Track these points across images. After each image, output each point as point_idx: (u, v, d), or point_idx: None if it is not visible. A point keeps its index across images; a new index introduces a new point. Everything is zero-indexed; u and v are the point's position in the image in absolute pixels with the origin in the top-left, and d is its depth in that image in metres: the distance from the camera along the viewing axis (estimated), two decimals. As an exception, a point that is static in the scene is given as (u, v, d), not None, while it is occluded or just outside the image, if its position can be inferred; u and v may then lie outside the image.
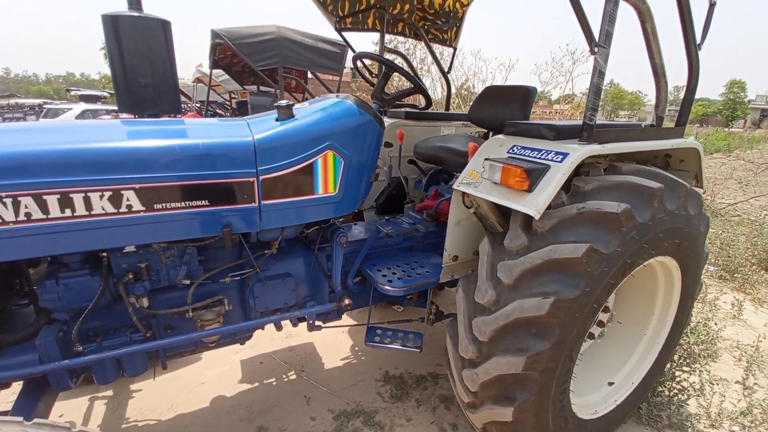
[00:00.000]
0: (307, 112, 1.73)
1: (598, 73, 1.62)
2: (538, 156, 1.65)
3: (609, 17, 1.58)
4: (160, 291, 1.70)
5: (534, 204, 1.53)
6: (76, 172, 1.30)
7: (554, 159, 1.59)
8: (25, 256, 1.33)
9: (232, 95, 8.26)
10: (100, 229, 1.37)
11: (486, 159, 1.70)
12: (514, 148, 1.79)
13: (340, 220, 2.16)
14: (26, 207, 1.26)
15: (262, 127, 1.64)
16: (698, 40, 2.03)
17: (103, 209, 1.36)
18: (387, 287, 1.96)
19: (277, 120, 1.69)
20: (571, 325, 1.55)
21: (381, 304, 3.31)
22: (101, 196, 1.34)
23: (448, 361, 1.98)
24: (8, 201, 1.24)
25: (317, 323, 2.12)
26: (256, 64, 4.73)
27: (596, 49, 1.59)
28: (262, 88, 6.28)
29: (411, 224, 2.46)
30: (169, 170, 1.43)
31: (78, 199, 1.32)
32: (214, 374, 2.67)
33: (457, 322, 1.79)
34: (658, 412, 2.41)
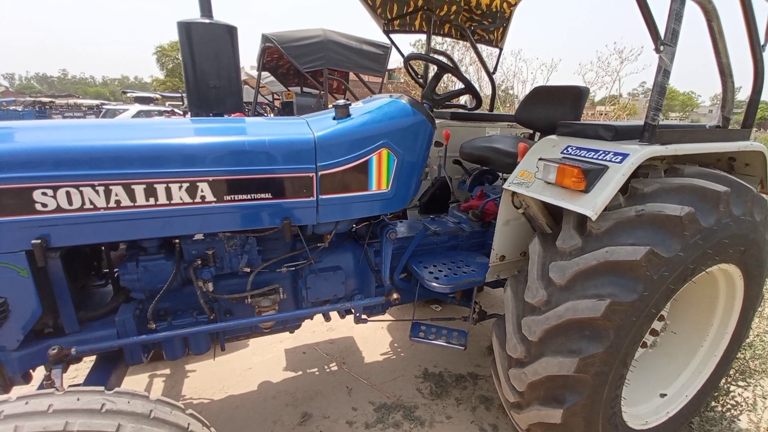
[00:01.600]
0: (363, 111, 1.79)
1: (663, 71, 1.58)
2: (594, 156, 1.63)
3: (675, 15, 1.54)
4: (223, 277, 1.82)
5: (591, 205, 1.51)
6: (160, 164, 1.43)
7: (613, 160, 1.57)
8: (113, 239, 1.47)
9: (275, 96, 8.56)
10: (178, 217, 1.50)
11: (540, 159, 1.70)
12: (569, 149, 1.77)
13: (389, 216, 2.21)
14: (116, 195, 1.40)
15: (321, 125, 1.72)
16: (762, 41, 1.94)
17: (181, 199, 1.48)
18: (434, 284, 1.99)
19: (334, 119, 1.76)
20: (627, 329, 1.52)
21: (419, 303, 3.34)
22: (180, 187, 1.47)
23: (492, 360, 1.98)
24: (101, 189, 1.38)
25: (363, 316, 2.19)
26: (303, 66, 4.90)
27: (662, 48, 1.55)
28: (305, 89, 6.48)
29: (456, 224, 2.47)
30: (239, 164, 1.53)
31: (161, 189, 1.44)
32: (260, 361, 2.80)
33: (505, 321, 1.79)
34: (709, 427, 2.31)
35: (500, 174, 2.88)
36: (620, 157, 1.56)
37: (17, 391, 1.63)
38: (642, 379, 2.15)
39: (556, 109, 2.50)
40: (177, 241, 1.68)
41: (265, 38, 5.01)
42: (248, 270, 1.79)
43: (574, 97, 2.42)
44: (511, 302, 1.78)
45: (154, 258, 1.65)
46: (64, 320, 1.57)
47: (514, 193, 1.94)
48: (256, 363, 2.78)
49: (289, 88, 6.91)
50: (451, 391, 2.54)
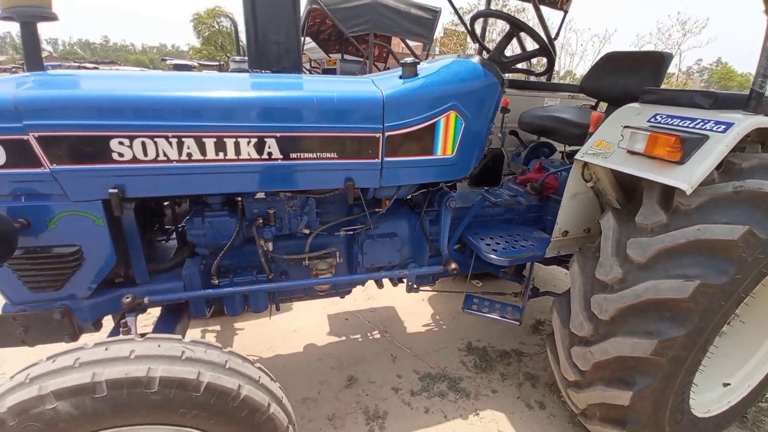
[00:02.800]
0: (432, 71, 1.69)
1: None
2: (692, 125, 1.48)
3: None
4: (281, 238, 1.81)
5: (687, 177, 1.38)
6: (231, 118, 1.40)
7: (714, 129, 1.42)
8: (184, 192, 1.47)
9: (314, 64, 8.44)
10: (245, 173, 1.48)
11: (626, 127, 1.57)
12: (657, 117, 1.62)
13: (448, 185, 2.14)
14: (188, 148, 1.38)
15: (389, 84, 1.64)
16: None
17: (249, 155, 1.45)
18: (492, 256, 1.92)
19: (401, 78, 1.68)
20: (714, 313, 1.41)
21: (459, 278, 3.29)
22: (248, 143, 1.44)
23: (549, 337, 1.93)
24: (174, 141, 1.36)
25: (414, 285, 2.16)
26: (349, 30, 4.74)
27: None
28: (346, 56, 6.33)
29: (512, 197, 2.37)
30: (307, 121, 1.48)
31: (230, 143, 1.42)
32: (304, 324, 2.85)
33: (570, 298, 1.72)
34: (762, 417, 2.25)
35: (559, 147, 2.72)
36: (723, 127, 1.41)
37: (86, 339, 1.70)
38: (707, 367, 2.04)
39: (630, 77, 2.30)
40: (239, 198, 1.67)
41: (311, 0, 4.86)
42: (307, 232, 1.78)
43: (655, 63, 2.21)
44: (578, 279, 1.70)
45: (218, 215, 1.66)
46: (136, 271, 1.61)
47: (585, 165, 1.82)
48: (300, 326, 2.83)
49: (330, 55, 6.77)
50: (496, 366, 2.51)
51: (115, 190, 1.34)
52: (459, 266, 2.04)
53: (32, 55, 1.47)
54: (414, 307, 3.13)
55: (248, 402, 1.21)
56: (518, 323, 2.03)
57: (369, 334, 2.79)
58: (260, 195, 1.70)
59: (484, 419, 2.14)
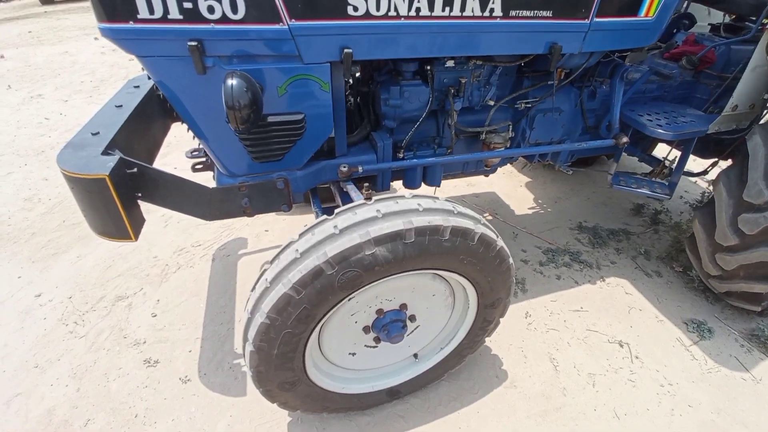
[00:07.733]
0: None
1: None
2: None
3: None
4: (463, 111, 1.79)
5: None
6: (465, -36, 1.27)
7: None
8: (408, 55, 1.39)
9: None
10: (467, 33, 1.40)
11: None
12: None
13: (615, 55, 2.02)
14: (418, 1, 1.28)
15: None
16: None
17: (473, 12, 1.35)
18: (660, 131, 1.92)
19: None
20: None
21: (533, 165, 3.36)
22: (476, -3, 1.33)
23: (702, 207, 2.03)
24: (405, -8, 1.26)
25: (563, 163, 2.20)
26: None
27: None
28: None
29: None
30: None
31: (458, -2, 1.31)
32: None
33: (748, 169, 1.76)
34: None
35: (701, 20, 2.50)
36: None
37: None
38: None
39: None
40: (428, 67, 1.60)
41: None
42: (492, 103, 1.75)
43: None
44: (760, 150, 1.72)
45: (413, 84, 1.61)
46: (338, 142, 1.62)
47: None
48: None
49: None
50: (609, 243, 2.69)
51: (349, 50, 1.29)
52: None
53: None
54: (514, 192, 3.23)
55: (500, 253, 1.34)
56: (668, 197, 2.11)
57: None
58: (450, 63, 1.63)
59: (611, 284, 2.38)
